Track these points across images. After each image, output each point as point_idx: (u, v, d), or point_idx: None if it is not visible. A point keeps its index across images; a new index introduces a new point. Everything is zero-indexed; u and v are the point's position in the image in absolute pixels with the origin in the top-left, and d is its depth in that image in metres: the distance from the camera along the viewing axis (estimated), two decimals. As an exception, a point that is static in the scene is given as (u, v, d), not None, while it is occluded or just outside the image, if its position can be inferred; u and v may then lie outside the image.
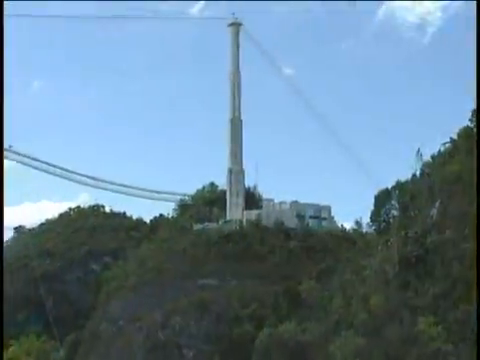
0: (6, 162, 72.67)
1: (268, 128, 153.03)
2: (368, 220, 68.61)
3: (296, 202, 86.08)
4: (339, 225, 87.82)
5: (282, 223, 79.73)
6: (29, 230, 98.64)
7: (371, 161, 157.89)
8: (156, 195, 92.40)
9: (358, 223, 77.86)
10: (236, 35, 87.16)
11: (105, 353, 66.23)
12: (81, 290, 79.23)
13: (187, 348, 64.32)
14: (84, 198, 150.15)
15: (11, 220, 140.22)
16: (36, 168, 71.80)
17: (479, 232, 45.21)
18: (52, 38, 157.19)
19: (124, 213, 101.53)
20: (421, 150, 57.88)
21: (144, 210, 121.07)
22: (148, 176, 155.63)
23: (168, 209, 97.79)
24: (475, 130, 54.62)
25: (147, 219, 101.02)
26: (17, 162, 69.77)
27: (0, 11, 43.55)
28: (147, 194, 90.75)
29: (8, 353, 66.02)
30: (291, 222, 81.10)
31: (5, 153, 66.91)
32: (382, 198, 64.10)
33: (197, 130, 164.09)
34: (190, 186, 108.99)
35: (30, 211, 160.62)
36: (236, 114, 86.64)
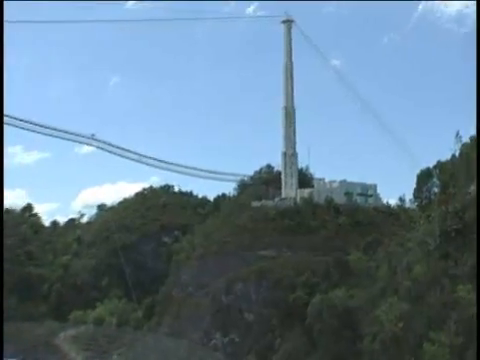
0: (89, 148, 74.72)
1: (318, 114, 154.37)
2: (411, 197, 69.32)
3: (345, 181, 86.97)
4: (384, 202, 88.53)
5: (332, 200, 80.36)
6: (110, 208, 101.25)
7: (413, 143, 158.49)
8: (219, 176, 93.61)
9: (401, 200, 77.83)
10: (289, 31, 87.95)
11: (177, 314, 67.77)
12: (155, 260, 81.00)
13: (247, 312, 65.22)
14: (156, 179, 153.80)
15: (95, 199, 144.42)
16: (114, 153, 73.64)
17: (479, 230, 45.51)
18: (128, 40, 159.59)
19: (191, 192, 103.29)
20: (460, 132, 58.30)
21: (208, 189, 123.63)
22: (212, 159, 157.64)
23: (230, 188, 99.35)
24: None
25: (211, 197, 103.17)
26: (98, 148, 71.67)
27: (0, 11, 41.04)
28: (211, 175, 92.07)
29: (95, 313, 68.94)
30: (340, 199, 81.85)
31: (88, 140, 68.91)
32: (424, 177, 64.26)
33: (255, 118, 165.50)
34: (249, 168, 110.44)
35: (110, 191, 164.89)
36: (289, 102, 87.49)
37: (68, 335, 55.88)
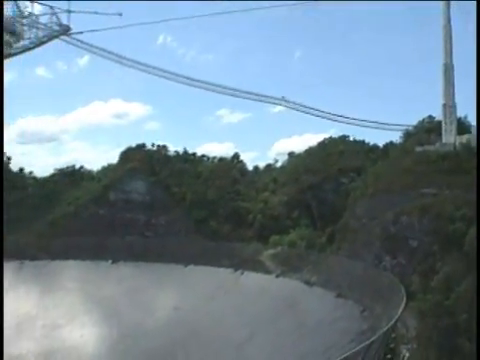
0: (280, 108, 76.46)
1: (474, 68, 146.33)
2: None
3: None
4: None
5: (488, 144, 77.70)
6: (298, 155, 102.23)
7: None
8: (387, 126, 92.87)
9: None
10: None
11: (353, 241, 69.44)
12: (335, 196, 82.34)
13: (412, 239, 65.41)
14: (334, 131, 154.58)
15: (286, 148, 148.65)
16: (300, 111, 75.35)
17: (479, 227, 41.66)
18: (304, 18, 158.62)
19: (363, 141, 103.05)
20: None
21: (378, 138, 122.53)
22: (381, 112, 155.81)
23: (396, 137, 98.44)
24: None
25: (380, 144, 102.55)
26: (287, 107, 73.43)
27: (0, 11, 34.39)
28: (380, 126, 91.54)
29: (288, 237, 72.23)
30: (496, 143, 78.80)
31: (279, 101, 70.81)
32: None
33: (418, 75, 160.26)
34: (413, 119, 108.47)
35: (297, 142, 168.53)
36: (448, 59, 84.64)
37: (268, 254, 59.44)
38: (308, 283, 49.10)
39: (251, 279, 55.87)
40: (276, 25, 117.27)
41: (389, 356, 30.91)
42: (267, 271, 55.82)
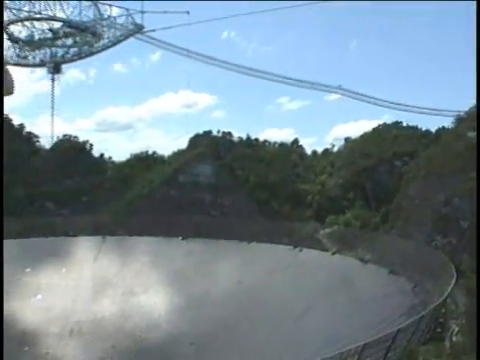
0: (336, 96, 75.06)
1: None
2: None
3: None
4: None
5: None
6: (353, 140, 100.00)
7: None
8: (439, 113, 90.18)
9: None
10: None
11: (405, 221, 68.24)
12: (388, 179, 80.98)
13: (462, 220, 64.03)
14: (388, 117, 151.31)
15: (342, 133, 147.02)
16: (355, 98, 73.78)
17: (479, 225, 39.77)
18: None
19: (416, 126, 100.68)
20: None
21: (430, 124, 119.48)
22: (434, 99, 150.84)
23: (448, 122, 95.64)
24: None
25: (433, 130, 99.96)
26: (343, 95, 71.98)
27: (0, 11, 35.60)
28: (432, 112, 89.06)
29: (344, 217, 72.07)
30: None
31: (335, 90, 69.65)
32: None
33: (471, 62, 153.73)
34: (464, 105, 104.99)
35: (353, 127, 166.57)
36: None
37: (325, 233, 59.49)
38: (362, 260, 49.00)
39: (309, 256, 56.09)
40: (332, 18, 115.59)
41: (438, 330, 30.55)
42: (324, 248, 55.92)
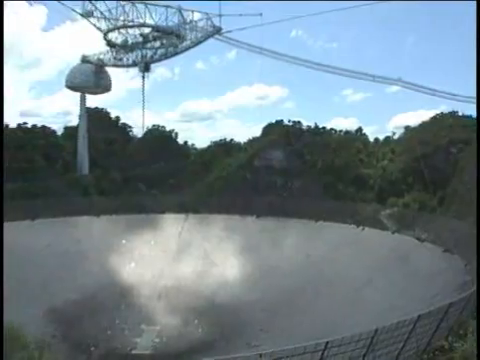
0: (396, 88, 72.76)
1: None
2: None
3: None
4: None
5: None
6: (412, 128, 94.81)
7: None
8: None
9: None
10: None
11: (460, 203, 65.78)
12: (445, 165, 77.31)
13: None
14: (444, 107, 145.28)
15: (402, 122, 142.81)
16: (415, 90, 71.43)
17: (479, 223, 36.65)
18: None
19: (470, 115, 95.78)
20: None
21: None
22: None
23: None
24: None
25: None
26: (403, 87, 69.71)
27: (0, 11, 32.31)
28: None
29: (403, 199, 69.94)
30: None
31: (395, 82, 67.59)
32: None
33: None
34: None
35: (412, 116, 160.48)
36: None
37: (386, 213, 58.46)
38: (419, 239, 47.98)
39: (370, 234, 55.51)
40: (391, 15, 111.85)
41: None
42: (384, 228, 55.11)
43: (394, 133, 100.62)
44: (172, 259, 60.60)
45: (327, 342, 21.31)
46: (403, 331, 23.48)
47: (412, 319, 23.16)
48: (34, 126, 79.20)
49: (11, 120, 79.74)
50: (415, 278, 39.89)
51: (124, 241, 63.56)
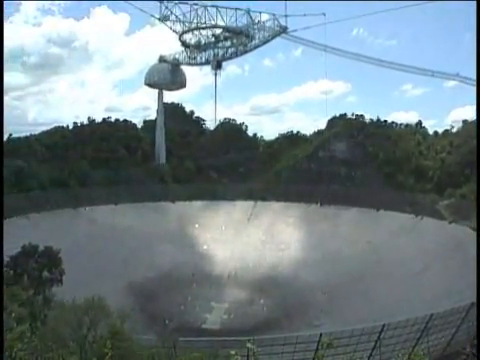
0: (454, 83, 68.86)
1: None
2: None
3: None
4: None
5: None
6: (470, 122, 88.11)
7: None
8: None
9: None
10: None
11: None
12: None
13: None
14: None
15: (461, 116, 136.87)
16: (472, 85, 68.04)
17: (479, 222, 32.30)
18: None
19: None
20: None
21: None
22: None
23: None
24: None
25: None
26: (460, 82, 66.39)
27: (0, 11, 31.57)
28: None
29: (460, 190, 66.00)
30: None
31: (453, 77, 64.43)
32: None
33: None
34: None
35: (470, 110, 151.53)
36: None
37: (444, 204, 56.48)
38: (475, 229, 46.17)
39: (428, 223, 54.01)
40: (448, 13, 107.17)
41: None
42: (442, 218, 53.36)
43: (452, 126, 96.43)
44: (241, 243, 61.83)
45: (383, 325, 21.43)
46: (456, 317, 23.13)
47: (465, 306, 22.74)
48: (117, 120, 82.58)
49: (97, 115, 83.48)
50: (469, 266, 38.58)
51: (197, 225, 65.47)
